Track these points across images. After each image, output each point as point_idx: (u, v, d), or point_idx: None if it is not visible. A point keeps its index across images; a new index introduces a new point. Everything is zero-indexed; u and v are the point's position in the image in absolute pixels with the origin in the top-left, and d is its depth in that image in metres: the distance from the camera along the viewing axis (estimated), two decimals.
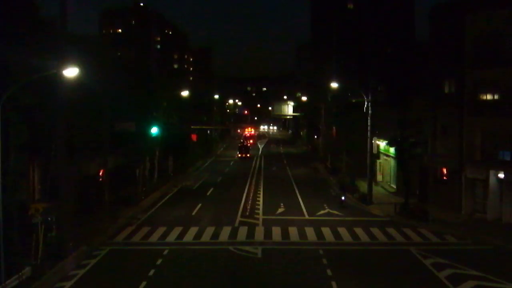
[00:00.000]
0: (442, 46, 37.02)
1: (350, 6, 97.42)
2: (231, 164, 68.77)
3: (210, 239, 27.97)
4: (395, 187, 44.73)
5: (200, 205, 37.85)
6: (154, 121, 41.24)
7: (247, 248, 25.96)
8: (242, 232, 29.52)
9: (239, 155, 76.46)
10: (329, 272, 22.01)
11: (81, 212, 30.27)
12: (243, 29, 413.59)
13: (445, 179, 36.80)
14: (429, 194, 32.62)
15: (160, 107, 44.55)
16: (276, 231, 29.63)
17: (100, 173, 35.91)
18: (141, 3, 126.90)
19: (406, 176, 36.29)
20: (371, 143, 39.93)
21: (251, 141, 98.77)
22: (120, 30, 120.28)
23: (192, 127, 63.28)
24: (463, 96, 34.22)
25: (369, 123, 38.82)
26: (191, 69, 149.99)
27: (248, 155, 76.81)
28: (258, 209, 36.74)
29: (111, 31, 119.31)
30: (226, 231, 29.56)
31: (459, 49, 34.37)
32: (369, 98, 38.29)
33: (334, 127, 63.10)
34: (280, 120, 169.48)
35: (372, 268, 23.03)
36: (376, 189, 43.77)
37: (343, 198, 38.51)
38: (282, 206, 37.64)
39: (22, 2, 26.56)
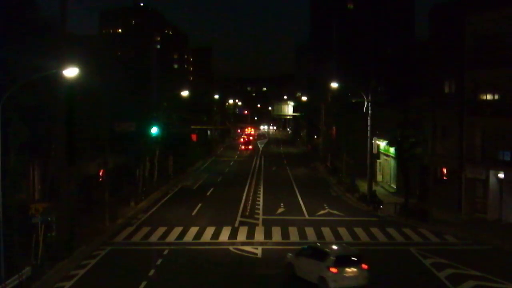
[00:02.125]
0: (442, 46, 37.01)
1: (350, 6, 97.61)
2: (231, 164, 68.77)
3: (210, 239, 27.97)
4: (395, 187, 44.73)
5: (200, 205, 37.85)
6: (154, 121, 41.22)
7: (247, 248, 25.96)
8: (242, 232, 29.52)
9: (243, 148, 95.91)
10: None
11: (81, 212, 30.27)
12: (243, 29, 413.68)
13: (445, 179, 36.80)
14: (429, 194, 32.59)
15: (160, 107, 44.53)
16: (276, 231, 29.63)
17: (100, 173, 35.91)
18: (141, 3, 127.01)
19: (406, 176, 36.27)
20: (371, 143, 39.95)
21: (251, 138, 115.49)
22: (120, 30, 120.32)
23: (192, 127, 63.25)
24: (463, 96, 34.20)
25: (369, 123, 38.82)
26: (191, 69, 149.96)
27: (250, 147, 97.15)
28: (258, 209, 36.75)
29: (111, 31, 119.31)
30: (226, 231, 29.55)
31: (459, 49, 34.35)
32: (369, 98, 38.29)
33: (334, 127, 63.09)
34: (280, 120, 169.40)
35: (372, 268, 22.99)
36: (376, 189, 43.65)
37: (381, 206, 35.68)
38: (282, 206, 37.64)
39: (22, 2, 26.52)
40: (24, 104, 22.88)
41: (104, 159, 32.19)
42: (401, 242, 27.62)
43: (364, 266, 20.03)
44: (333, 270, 19.39)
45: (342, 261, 19.81)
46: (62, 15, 26.76)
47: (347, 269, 19.65)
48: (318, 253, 20.61)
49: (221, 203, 39.13)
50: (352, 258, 20.18)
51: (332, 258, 19.72)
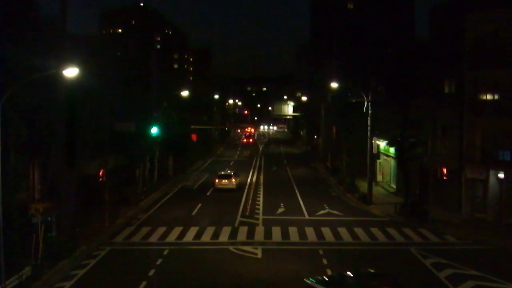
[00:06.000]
0: (442, 46, 37.02)
1: (350, 6, 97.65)
2: (231, 164, 68.72)
3: (210, 239, 27.98)
4: (395, 187, 44.73)
5: (200, 205, 37.85)
6: (154, 121, 41.21)
7: (247, 248, 25.96)
8: (242, 232, 29.52)
9: (245, 141, 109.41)
10: (329, 272, 21.99)
11: (81, 212, 30.25)
12: (243, 29, 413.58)
13: (445, 179, 36.79)
14: (429, 194, 32.58)
15: (160, 107, 44.53)
16: (276, 231, 29.63)
17: (100, 173, 35.90)
18: (141, 3, 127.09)
19: (406, 176, 36.26)
20: (371, 143, 39.92)
21: (252, 134, 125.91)
22: (120, 30, 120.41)
23: (192, 127, 63.23)
24: (463, 96, 34.20)
25: (369, 123, 38.79)
26: (191, 69, 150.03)
27: (251, 140, 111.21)
28: (258, 209, 36.75)
29: (111, 31, 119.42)
30: (226, 231, 29.55)
31: (459, 49, 34.34)
32: (369, 98, 38.26)
33: (334, 127, 63.06)
34: (280, 120, 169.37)
35: (372, 268, 22.98)
36: (376, 189, 43.78)
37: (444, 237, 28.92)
38: (282, 206, 37.64)
39: (22, 2, 26.51)
40: (24, 104, 22.88)
41: (104, 159, 32.18)
42: (401, 242, 27.62)
43: (232, 181, 44.95)
44: (216, 180, 45.11)
45: (221, 177, 45.56)
46: (62, 15, 26.77)
47: (223, 181, 44.93)
48: (217, 174, 47.11)
49: (221, 203, 39.11)
50: (227, 176, 45.85)
51: (217, 176, 46.10)
